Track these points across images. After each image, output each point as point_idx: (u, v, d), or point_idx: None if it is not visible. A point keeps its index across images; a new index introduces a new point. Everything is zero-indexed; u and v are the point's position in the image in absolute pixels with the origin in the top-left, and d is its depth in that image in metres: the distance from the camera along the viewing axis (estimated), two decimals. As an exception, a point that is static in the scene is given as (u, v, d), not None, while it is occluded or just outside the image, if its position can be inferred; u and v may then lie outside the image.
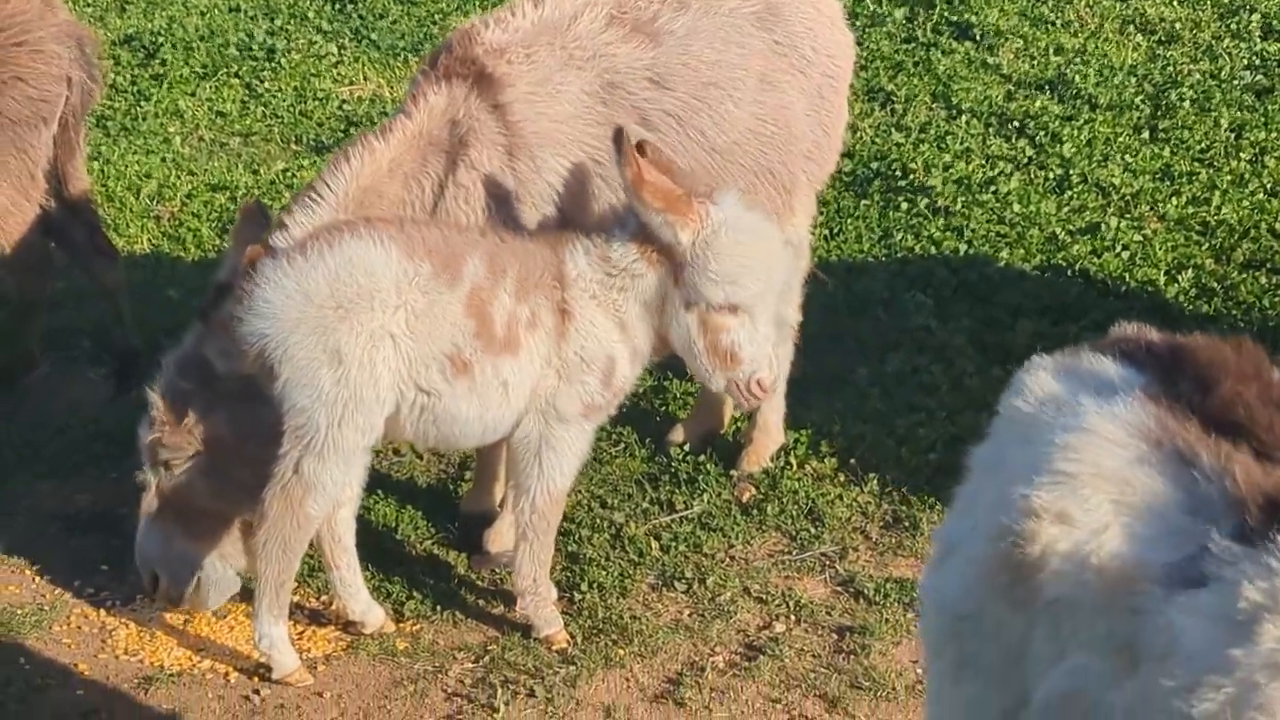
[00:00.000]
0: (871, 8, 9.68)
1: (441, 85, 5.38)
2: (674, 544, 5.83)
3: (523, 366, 5.14)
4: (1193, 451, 2.71)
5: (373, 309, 4.96)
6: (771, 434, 6.22)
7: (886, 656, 5.29)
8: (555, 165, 5.40)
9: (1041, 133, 8.31)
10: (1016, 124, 8.46)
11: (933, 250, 7.46)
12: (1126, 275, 7.19)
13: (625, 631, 5.41)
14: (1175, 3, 9.68)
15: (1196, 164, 7.99)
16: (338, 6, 10.24)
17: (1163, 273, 7.18)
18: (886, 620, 5.43)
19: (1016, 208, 7.70)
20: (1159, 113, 8.49)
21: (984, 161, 8.11)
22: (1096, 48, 9.23)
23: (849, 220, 7.69)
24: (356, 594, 5.41)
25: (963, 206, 7.72)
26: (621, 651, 5.32)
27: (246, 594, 5.40)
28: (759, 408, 5.90)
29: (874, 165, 8.12)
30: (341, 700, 5.15)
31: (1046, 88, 8.83)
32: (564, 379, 5.18)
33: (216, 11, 10.13)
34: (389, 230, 5.04)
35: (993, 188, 7.86)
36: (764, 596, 5.59)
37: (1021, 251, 7.38)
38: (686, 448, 6.28)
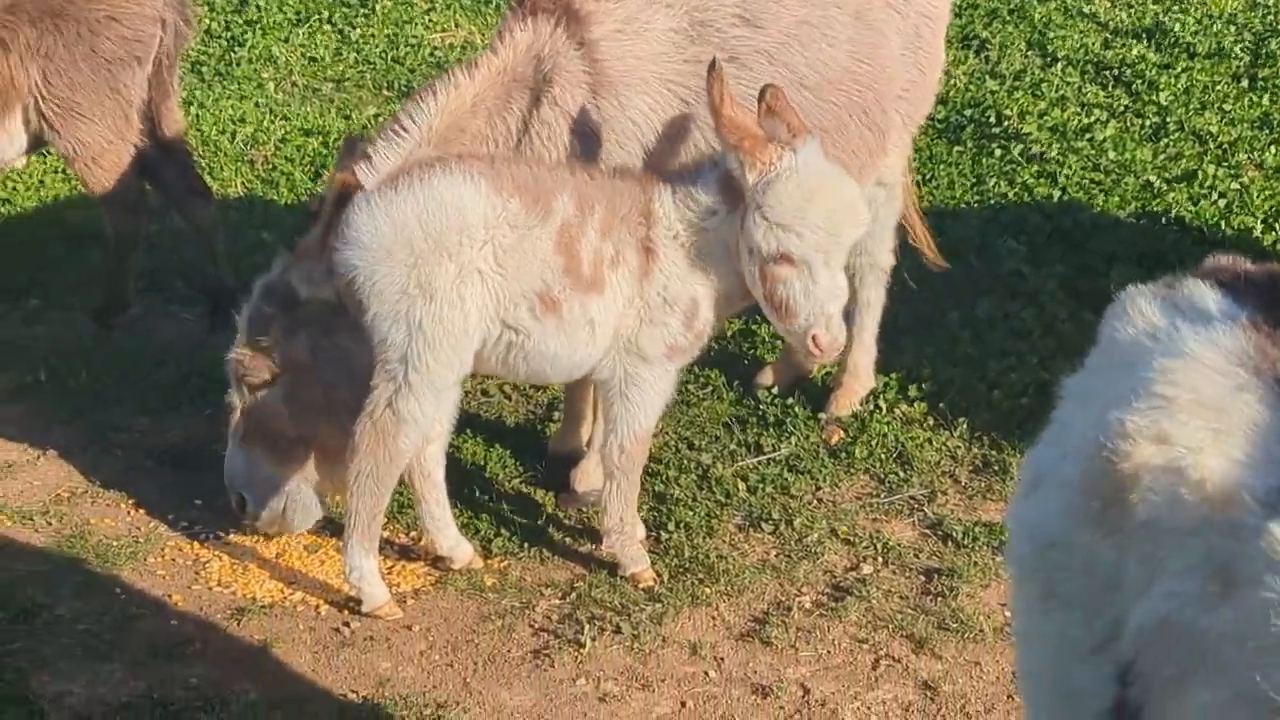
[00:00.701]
0: (966, -46, 9.58)
1: (528, 21, 5.36)
2: (761, 485, 5.82)
3: (608, 305, 5.13)
4: (1294, 380, 2.66)
5: (461, 244, 4.96)
6: (861, 378, 6.19)
7: (974, 599, 5.25)
8: (640, 103, 5.37)
9: (1138, 80, 8.20)
10: (1113, 72, 8.34)
11: (1026, 197, 7.39)
12: (1222, 223, 7.09)
13: (712, 571, 5.40)
14: (1277, -50, 9.50)
15: (1296, 112, 7.88)
16: (430, -46, 10.26)
17: (1260, 220, 7.08)
18: (975, 564, 5.39)
19: (1112, 155, 7.60)
20: (1258, 61, 8.35)
21: (1079, 109, 8.02)
22: (1195, -4, 9.10)
23: (941, 166, 7.63)
24: (445, 529, 5.45)
25: (1058, 154, 7.64)
26: (708, 590, 5.31)
27: (337, 528, 5.45)
28: (848, 353, 5.87)
29: (967, 112, 8.04)
30: (430, 634, 5.18)
31: (1144, 36, 8.70)
32: (646, 320, 5.16)
33: (310, -41, 10.18)
34: (479, 166, 5.04)
35: (1088, 135, 7.76)
36: (851, 538, 5.56)
37: (1116, 199, 7.29)
38: (775, 391, 6.26)
